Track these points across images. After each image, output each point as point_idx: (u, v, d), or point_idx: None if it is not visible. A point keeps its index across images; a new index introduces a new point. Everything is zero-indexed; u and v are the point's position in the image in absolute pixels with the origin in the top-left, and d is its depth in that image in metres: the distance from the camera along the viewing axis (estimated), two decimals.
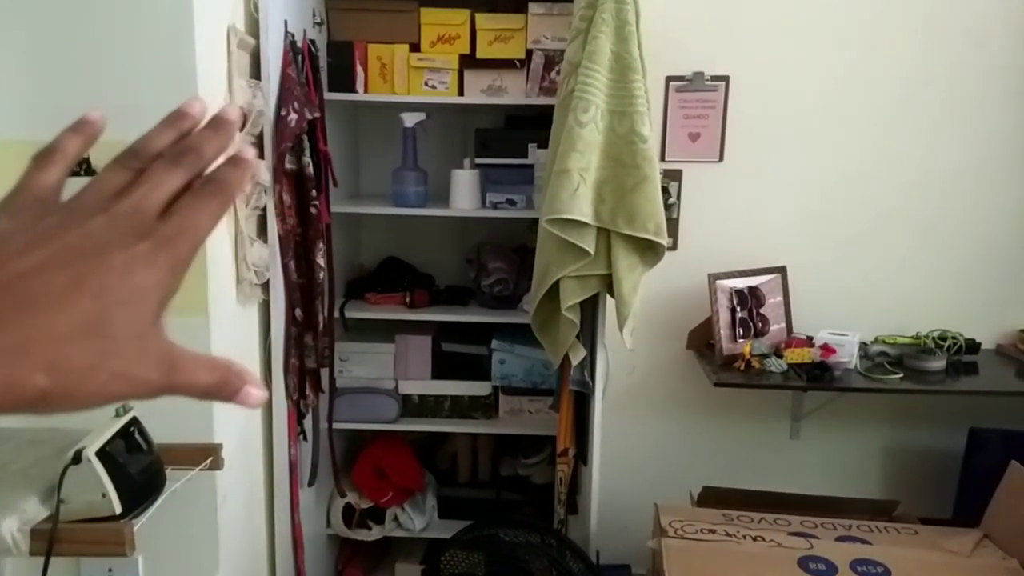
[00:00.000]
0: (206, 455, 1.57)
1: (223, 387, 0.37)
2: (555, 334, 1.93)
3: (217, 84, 1.63)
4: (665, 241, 1.78)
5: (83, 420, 1.40)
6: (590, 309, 1.99)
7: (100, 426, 1.38)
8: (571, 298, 1.83)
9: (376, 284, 2.41)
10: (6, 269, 0.32)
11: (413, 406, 2.37)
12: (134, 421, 1.44)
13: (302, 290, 1.95)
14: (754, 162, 2.43)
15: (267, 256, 1.86)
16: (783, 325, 2.41)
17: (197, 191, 0.36)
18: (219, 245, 1.65)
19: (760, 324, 2.35)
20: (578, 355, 1.92)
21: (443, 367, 2.38)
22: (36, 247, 0.32)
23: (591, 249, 1.78)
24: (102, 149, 1.53)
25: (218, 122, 0.37)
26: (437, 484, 2.53)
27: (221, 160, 0.37)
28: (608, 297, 1.93)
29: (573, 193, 1.73)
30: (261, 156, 1.85)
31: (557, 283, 1.85)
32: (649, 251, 1.82)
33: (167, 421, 1.54)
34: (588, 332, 2.00)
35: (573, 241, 1.77)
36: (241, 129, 1.72)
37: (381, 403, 2.33)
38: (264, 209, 1.86)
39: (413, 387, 2.36)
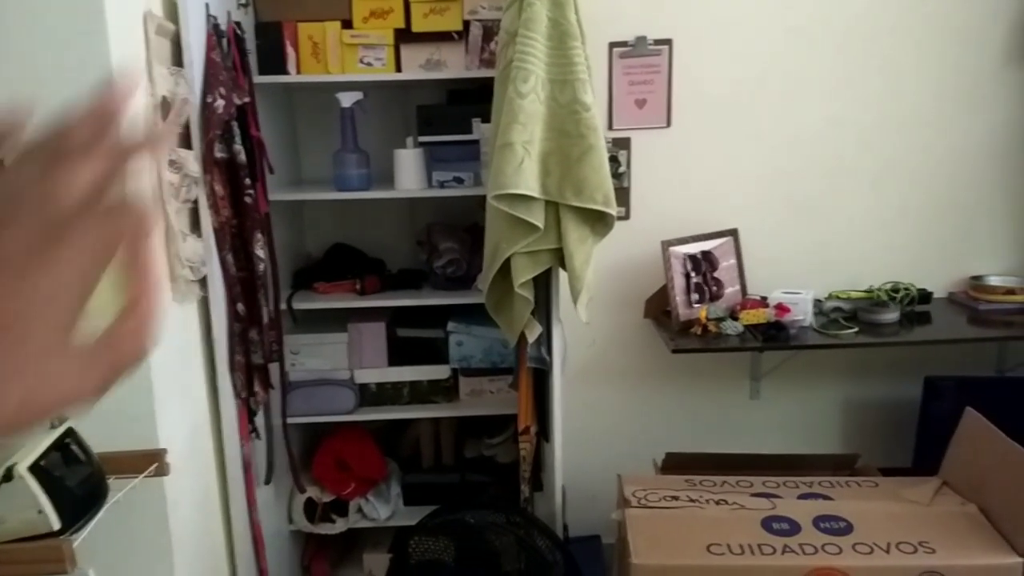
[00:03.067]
0: (150, 461, 1.51)
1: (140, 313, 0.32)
2: (510, 312, 1.89)
3: (137, 75, 1.54)
4: (614, 211, 1.75)
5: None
6: (543, 284, 1.95)
7: (33, 440, 1.31)
8: (523, 275, 1.79)
9: (324, 273, 2.34)
10: None
11: (371, 395, 2.32)
12: (70, 432, 1.37)
13: (243, 284, 1.88)
14: (702, 126, 2.40)
15: (202, 250, 1.78)
16: (737, 288, 2.41)
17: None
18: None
19: (715, 288, 2.34)
20: (534, 332, 1.88)
21: (399, 353, 2.33)
22: None
23: (540, 223, 1.74)
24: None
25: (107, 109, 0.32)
26: (401, 471, 2.49)
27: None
28: (561, 271, 1.90)
29: (518, 167, 1.68)
30: (188, 146, 1.76)
31: (509, 260, 1.81)
32: (599, 222, 1.78)
33: (107, 429, 1.47)
34: (543, 308, 1.97)
35: (521, 216, 1.73)
36: (165, 118, 1.64)
37: (337, 394, 2.28)
38: (196, 201, 1.78)
39: (369, 375, 2.31)
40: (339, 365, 2.29)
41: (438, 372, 2.32)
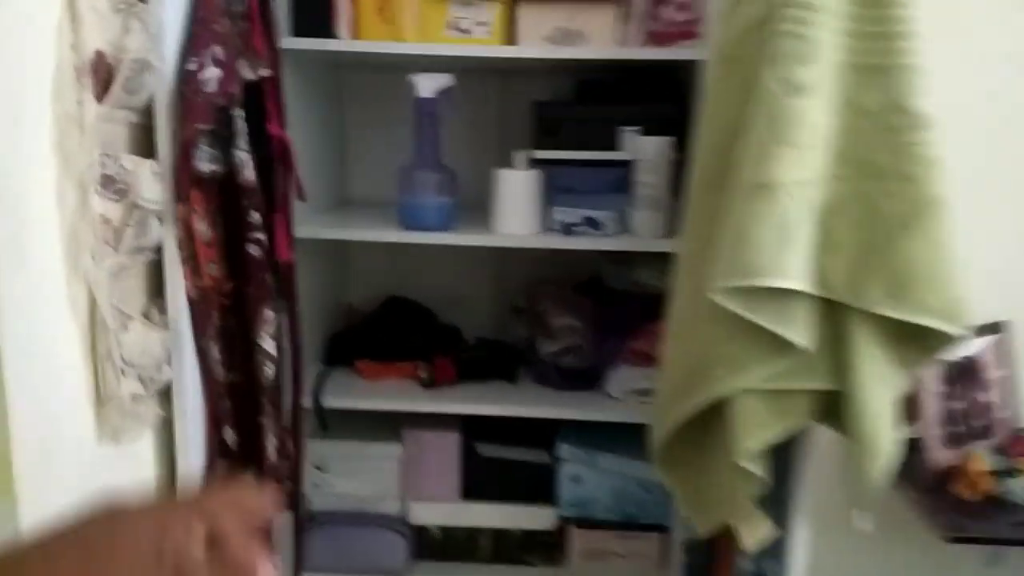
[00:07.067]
0: None
1: None
2: (706, 486, 1.04)
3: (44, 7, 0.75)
4: (962, 328, 0.90)
5: None
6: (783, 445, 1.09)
7: None
8: (756, 434, 0.94)
9: (372, 344, 1.57)
10: None
11: (432, 544, 1.58)
12: None
13: (234, 395, 1.07)
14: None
15: (163, 342, 0.98)
16: (1008, 414, 1.56)
17: None
18: (53, 339, 0.79)
19: (981, 420, 1.49)
20: (756, 531, 1.03)
21: (479, 482, 1.58)
22: None
23: (805, 342, 0.90)
24: None
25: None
26: None
27: None
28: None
29: (784, 233, 0.84)
30: (149, 151, 0.96)
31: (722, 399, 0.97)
32: (921, 342, 0.93)
33: None
34: (778, 488, 1.10)
35: (769, 327, 0.89)
36: (102, 91, 0.84)
37: (380, 539, 1.55)
38: (157, 252, 0.97)
39: (432, 513, 1.59)
40: (386, 492, 1.58)
41: (539, 518, 1.57)
